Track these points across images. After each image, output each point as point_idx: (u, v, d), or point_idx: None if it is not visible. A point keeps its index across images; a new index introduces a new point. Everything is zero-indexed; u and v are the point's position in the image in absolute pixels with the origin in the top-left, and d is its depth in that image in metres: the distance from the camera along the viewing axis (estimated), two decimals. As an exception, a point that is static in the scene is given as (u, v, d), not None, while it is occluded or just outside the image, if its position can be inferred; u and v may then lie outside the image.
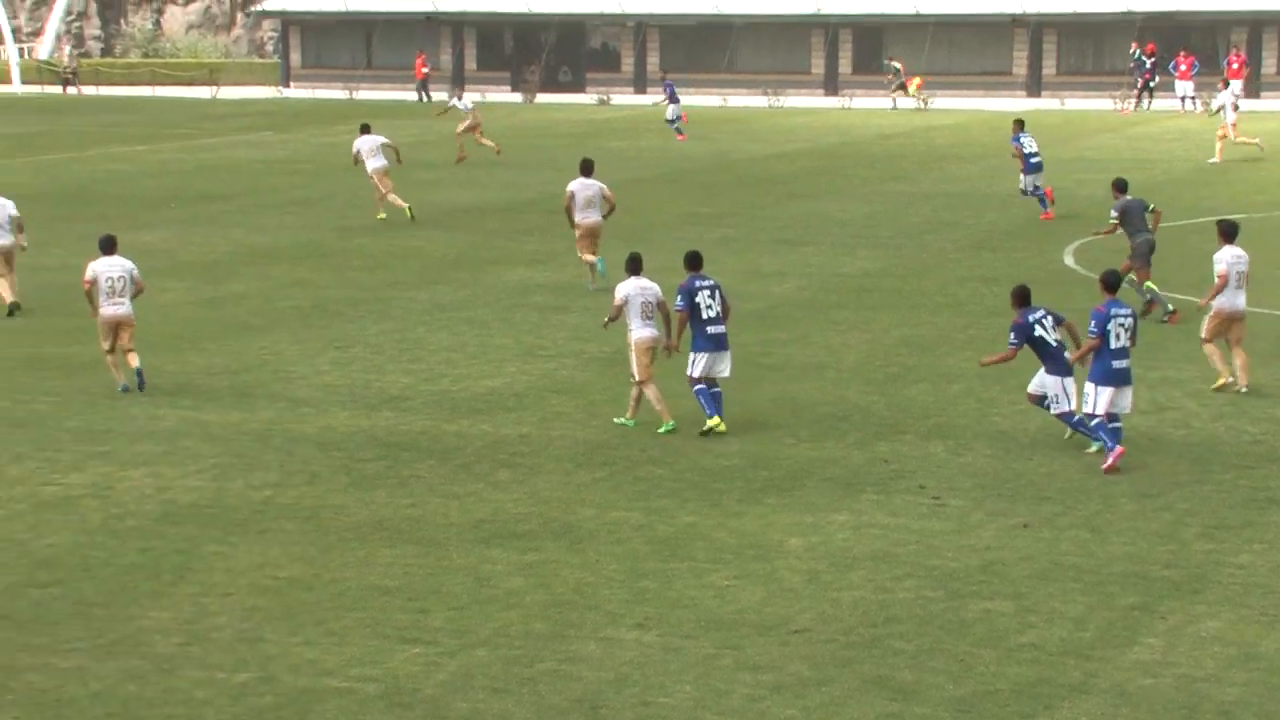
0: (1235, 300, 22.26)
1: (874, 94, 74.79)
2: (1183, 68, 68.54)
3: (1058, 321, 19.54)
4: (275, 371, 23.79)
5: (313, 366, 24.11)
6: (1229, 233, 22.73)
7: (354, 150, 38.89)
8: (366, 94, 77.17)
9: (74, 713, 12.82)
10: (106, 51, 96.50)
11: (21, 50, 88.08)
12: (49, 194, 42.82)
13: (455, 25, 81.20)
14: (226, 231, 36.71)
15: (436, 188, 44.40)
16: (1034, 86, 77.20)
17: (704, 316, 20.34)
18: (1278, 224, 37.10)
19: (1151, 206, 27.26)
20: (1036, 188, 38.45)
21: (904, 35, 78.79)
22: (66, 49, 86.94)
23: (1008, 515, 17.31)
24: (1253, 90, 71.98)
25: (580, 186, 30.05)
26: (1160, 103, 69.96)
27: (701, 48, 79.87)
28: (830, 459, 19.39)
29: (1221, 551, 16.25)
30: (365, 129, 39.14)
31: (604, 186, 30.18)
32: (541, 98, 77.29)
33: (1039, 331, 19.39)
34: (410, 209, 37.83)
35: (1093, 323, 19.08)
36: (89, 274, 22.62)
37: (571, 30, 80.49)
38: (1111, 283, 19.66)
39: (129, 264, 22.85)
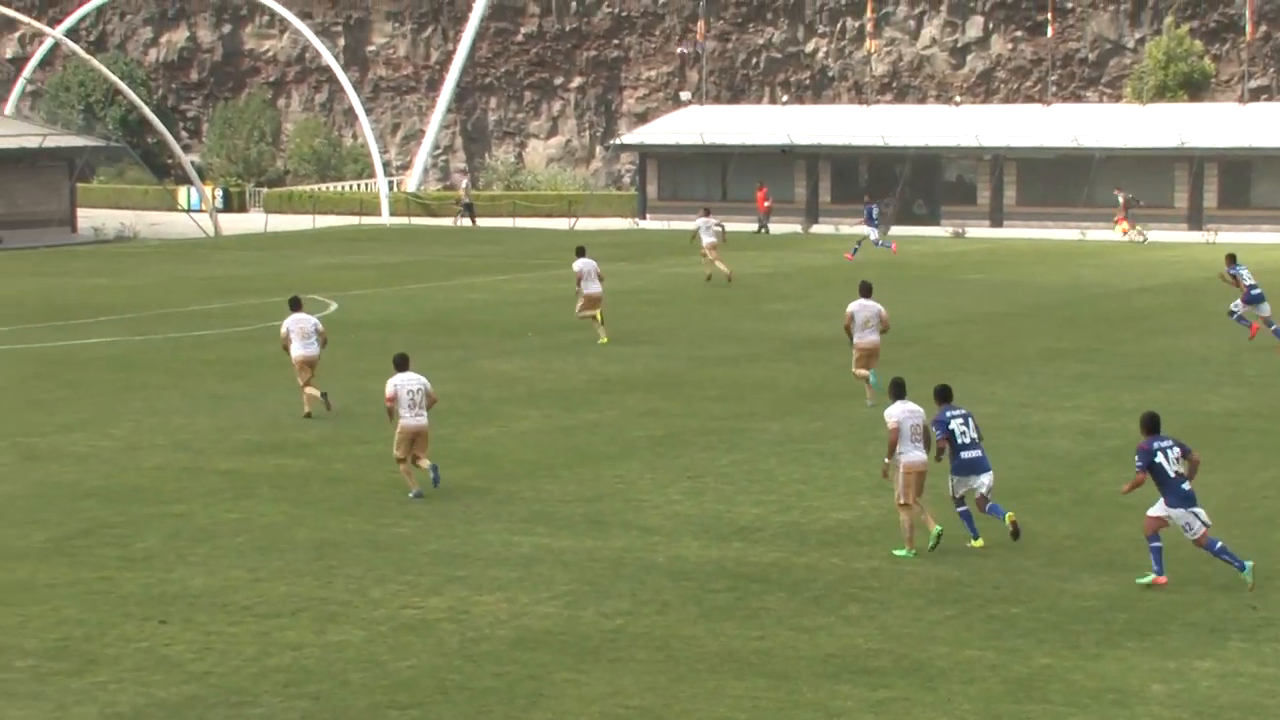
0: None
1: (1240, 229, 72.93)
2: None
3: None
4: (628, 500, 23.98)
5: (665, 496, 24.24)
6: None
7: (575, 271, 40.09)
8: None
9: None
10: (470, 184, 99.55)
11: (391, 183, 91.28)
12: (413, 322, 44.08)
13: (810, 158, 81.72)
14: (582, 360, 37.27)
15: (788, 319, 44.51)
16: None
17: (959, 442, 21.10)
18: None
19: None
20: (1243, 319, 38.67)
21: (1273, 170, 76.77)
22: (464, 182, 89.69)
23: (1385, 667, 16.48)
24: None
25: (859, 308, 31.91)
26: None
27: (1059, 181, 78.95)
28: (1193, 602, 18.73)
29: None
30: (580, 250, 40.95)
31: (881, 308, 32.01)
32: (896, 230, 77.17)
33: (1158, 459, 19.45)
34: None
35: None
36: (390, 390, 24.27)
37: (927, 163, 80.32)
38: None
39: (424, 379, 24.47)
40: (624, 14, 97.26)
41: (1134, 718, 15.25)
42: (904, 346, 39.48)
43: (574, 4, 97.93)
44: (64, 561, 20.67)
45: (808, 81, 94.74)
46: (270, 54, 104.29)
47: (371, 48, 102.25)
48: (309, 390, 30.48)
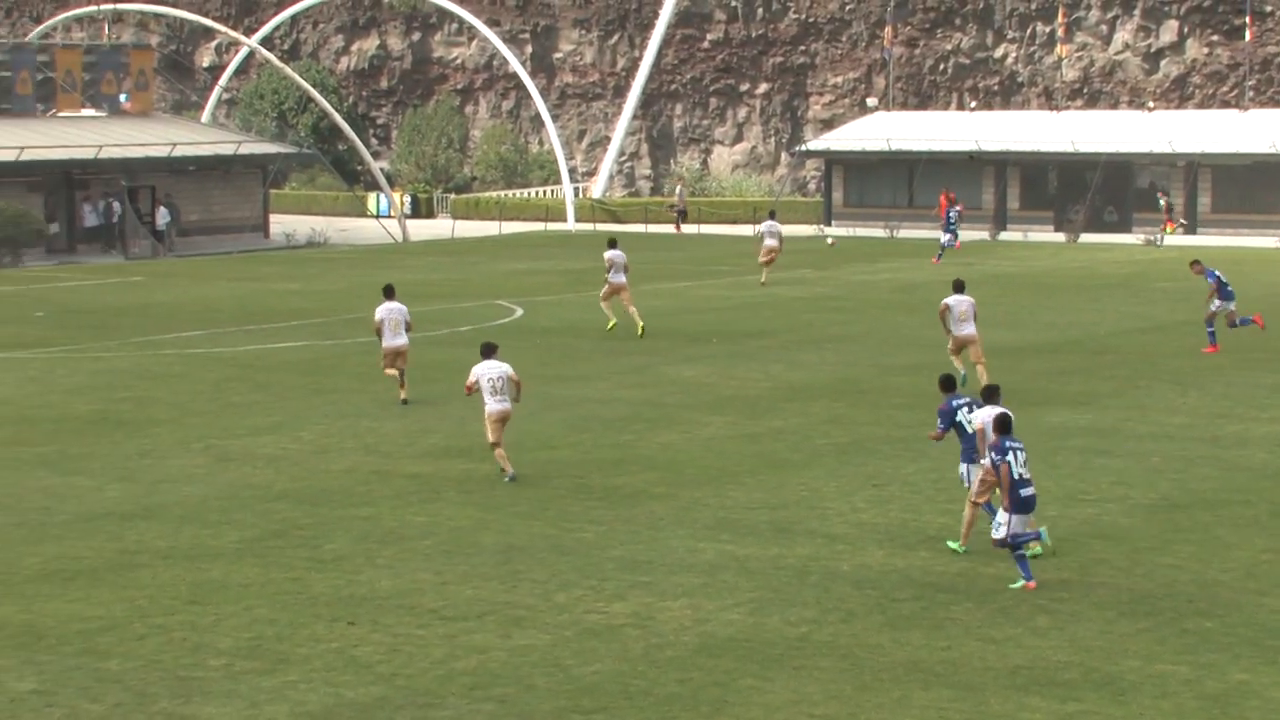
0: None
1: None
2: None
3: None
4: (812, 507, 23.87)
5: (850, 503, 24.09)
6: None
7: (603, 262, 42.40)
8: (907, 233, 77.50)
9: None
10: (655, 191, 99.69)
11: (576, 190, 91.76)
12: (596, 328, 44.20)
13: (998, 164, 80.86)
14: (766, 367, 37.18)
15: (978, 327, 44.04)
16: None
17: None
18: None
19: None
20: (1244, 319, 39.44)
21: None
22: (679, 188, 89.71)
23: None
24: None
25: (956, 303, 33.80)
26: None
27: (1256, 187, 77.43)
28: (1395, 619, 18.24)
29: None
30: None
31: (973, 301, 34.22)
32: (1086, 238, 76.17)
33: None
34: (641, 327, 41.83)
35: None
36: (472, 377, 26.13)
37: (1118, 170, 79.12)
38: None
39: (506, 366, 26.12)
40: (811, 20, 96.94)
41: (1333, 737, 14.89)
42: (1094, 355, 38.95)
43: (761, 10, 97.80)
44: (256, 562, 21.00)
45: (996, 87, 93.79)
46: (458, 61, 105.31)
47: (558, 55, 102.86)
48: (389, 372, 32.93)
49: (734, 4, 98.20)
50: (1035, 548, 20.17)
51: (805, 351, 39.69)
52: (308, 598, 19.42)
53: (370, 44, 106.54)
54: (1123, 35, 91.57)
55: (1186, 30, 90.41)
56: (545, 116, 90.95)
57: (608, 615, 18.71)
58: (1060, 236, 77.39)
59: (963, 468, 22.28)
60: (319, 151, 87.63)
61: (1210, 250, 68.69)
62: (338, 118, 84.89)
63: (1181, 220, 76.14)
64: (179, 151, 73.03)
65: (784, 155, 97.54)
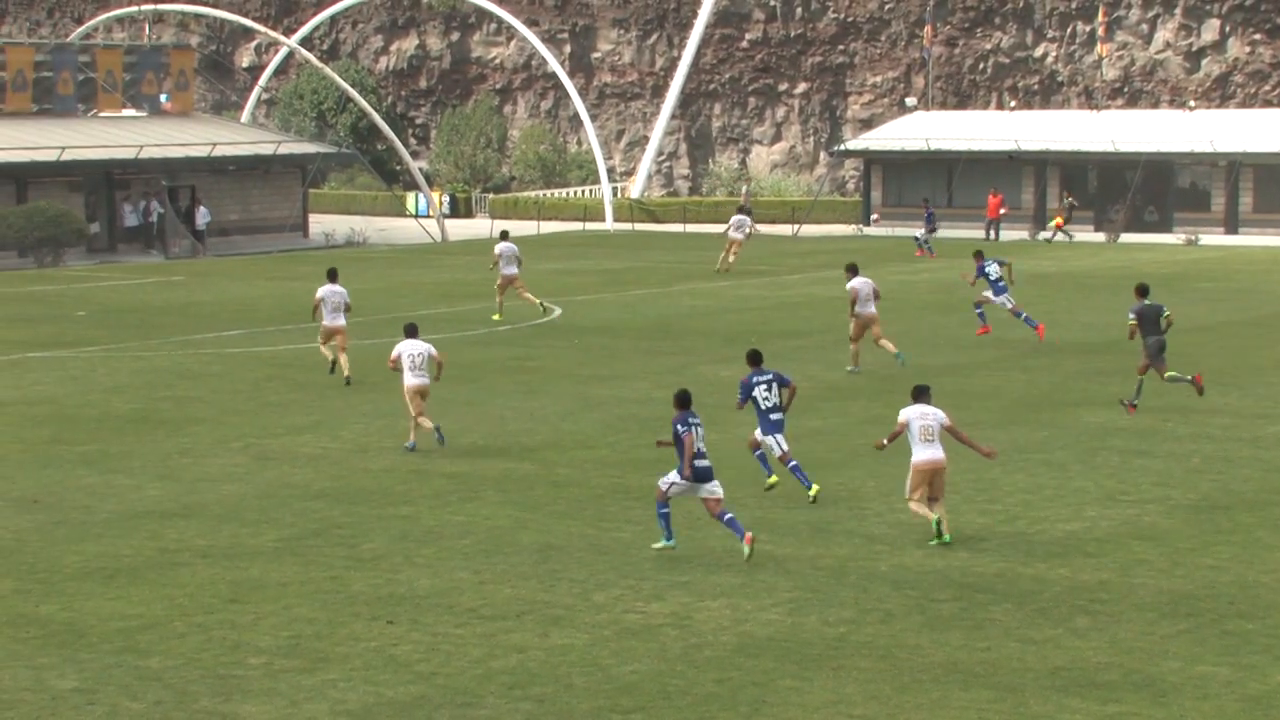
0: None
1: None
2: None
3: None
4: (851, 508, 23.83)
5: (888, 504, 24.05)
6: None
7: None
8: (946, 233, 77.36)
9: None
10: (694, 190, 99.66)
11: (615, 189, 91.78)
12: (635, 327, 44.27)
13: (1038, 164, 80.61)
14: (804, 368, 37.09)
15: (1015, 327, 43.94)
16: None
17: (763, 407, 24.10)
18: None
19: (1167, 313, 31.62)
20: (1020, 312, 40.52)
21: None
22: (745, 189, 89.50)
23: None
24: None
25: (861, 284, 36.37)
26: None
27: (1298, 186, 77.10)
28: None
29: None
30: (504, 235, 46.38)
31: (875, 285, 36.79)
32: (1126, 237, 75.89)
33: None
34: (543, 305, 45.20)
35: None
36: (394, 353, 28.30)
37: (1159, 169, 78.80)
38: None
39: (429, 346, 28.31)
40: (850, 20, 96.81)
41: (1376, 739, 14.80)
42: (1134, 355, 38.77)
43: (799, 10, 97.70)
44: (295, 561, 21.06)
45: (1036, 87, 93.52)
46: (497, 61, 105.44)
47: (597, 54, 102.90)
48: (324, 350, 35.60)
49: (773, 3, 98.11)
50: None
51: (843, 351, 39.59)
52: (346, 596, 19.46)
53: (409, 44, 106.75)
54: (1164, 34, 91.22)
55: (1228, 29, 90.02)
56: (584, 116, 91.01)
57: (646, 615, 18.71)
58: (1100, 236, 77.12)
59: (757, 433, 24.47)
60: (358, 151, 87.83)
61: (1252, 251, 68.45)
62: (377, 118, 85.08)
63: (1065, 226, 75.94)
64: (219, 151, 73.28)
65: (822, 155, 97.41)
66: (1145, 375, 31.64)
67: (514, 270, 45.37)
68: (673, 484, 21.42)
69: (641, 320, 46.08)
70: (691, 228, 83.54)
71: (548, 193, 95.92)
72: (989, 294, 40.63)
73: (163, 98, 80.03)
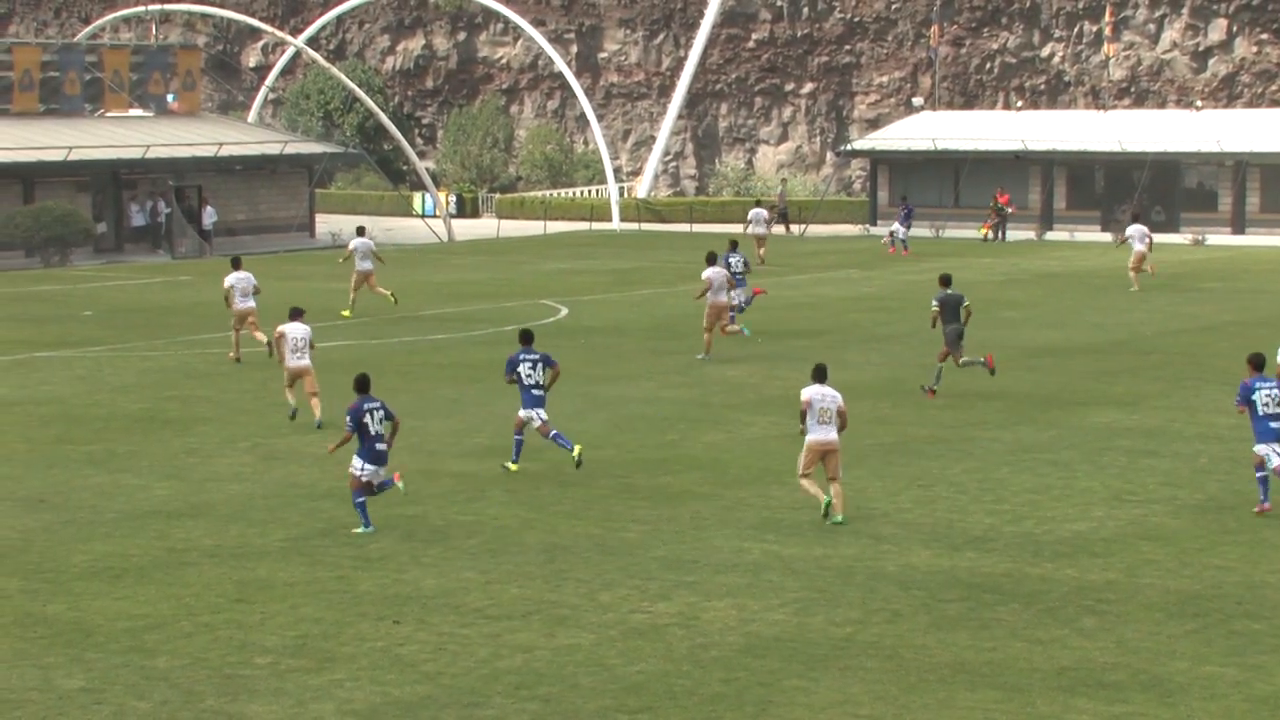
0: None
1: None
2: None
3: None
4: (857, 508, 23.81)
5: (895, 504, 24.05)
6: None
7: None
8: (953, 233, 77.35)
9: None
10: (700, 190, 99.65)
11: (621, 189, 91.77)
12: (642, 327, 44.28)
13: (1045, 164, 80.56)
14: (811, 367, 37.05)
15: (1021, 327, 43.96)
16: None
17: (526, 383, 26.05)
18: None
19: (966, 303, 33.49)
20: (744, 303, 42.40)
21: None
22: (780, 188, 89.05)
23: None
24: None
25: (714, 274, 38.01)
26: None
27: (1307, 186, 77.02)
28: None
29: None
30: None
31: (728, 273, 38.83)
32: (1133, 236, 75.78)
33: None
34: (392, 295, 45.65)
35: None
36: (278, 331, 30.60)
37: (1166, 169, 78.73)
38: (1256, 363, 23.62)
39: (308, 329, 30.47)
40: (856, 20, 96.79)
41: (1383, 740, 14.79)
42: (1141, 355, 38.81)
43: (806, 10, 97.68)
44: (302, 561, 21.06)
45: (1043, 87, 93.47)
46: (504, 61, 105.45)
47: (603, 54, 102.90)
48: (238, 334, 38.04)
49: (779, 3, 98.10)
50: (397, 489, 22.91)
51: (850, 351, 39.61)
52: (353, 596, 19.47)
53: (416, 44, 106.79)
54: (1170, 34, 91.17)
55: (1235, 29, 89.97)
56: (590, 116, 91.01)
57: (652, 615, 18.71)
58: (1107, 236, 77.06)
59: (521, 411, 26.30)
60: (364, 151, 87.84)
61: (1259, 251, 68.41)
62: (383, 117, 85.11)
63: (994, 227, 76.66)
64: (225, 151, 73.31)
65: (829, 155, 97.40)
66: (944, 361, 33.37)
67: (369, 266, 46.54)
68: (362, 469, 22.83)
69: (648, 320, 46.08)
70: (698, 228, 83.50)
71: (554, 192, 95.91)
72: (734, 293, 41.73)
73: (169, 98, 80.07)
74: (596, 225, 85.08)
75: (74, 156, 67.60)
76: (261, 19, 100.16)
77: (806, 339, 41.78)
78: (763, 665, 16.96)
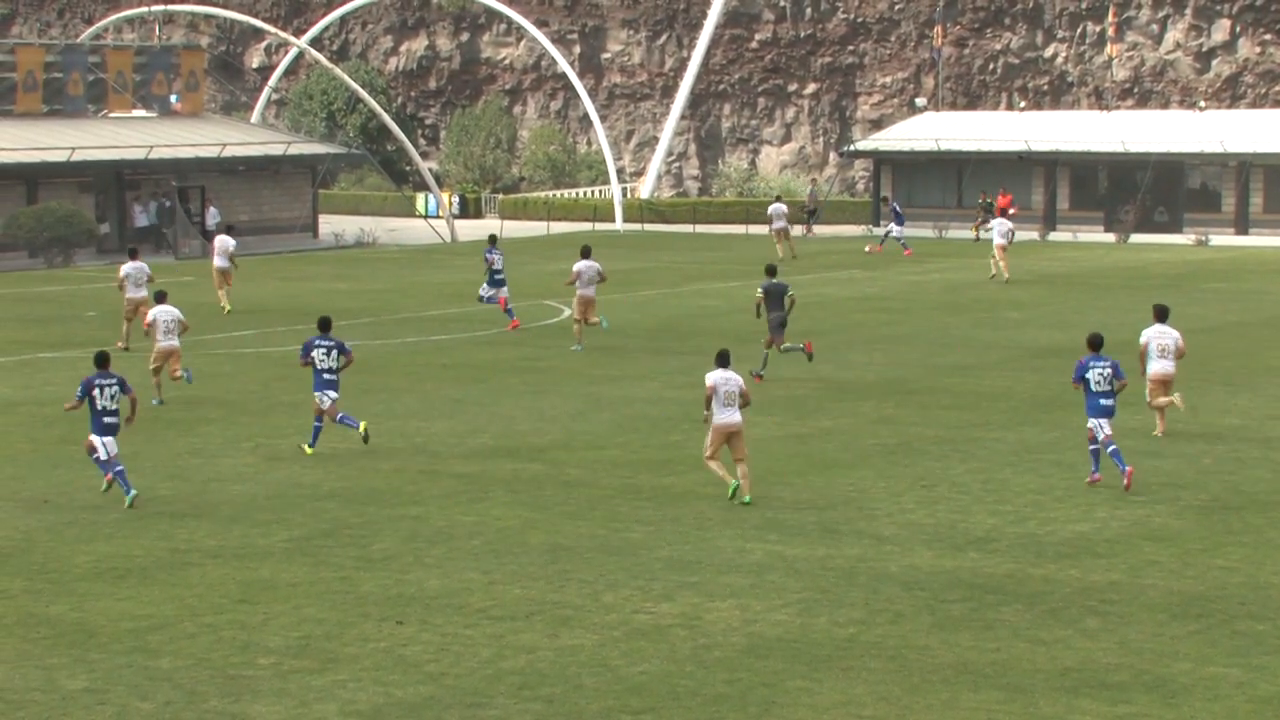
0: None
1: None
2: None
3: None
4: (860, 508, 23.82)
5: (898, 504, 24.05)
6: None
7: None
8: (956, 233, 77.34)
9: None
10: (703, 191, 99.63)
11: (624, 190, 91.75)
12: (646, 328, 44.27)
13: (1048, 164, 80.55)
14: (815, 368, 37.10)
15: (1024, 328, 43.95)
16: None
17: (319, 367, 27.66)
18: None
19: (791, 293, 35.62)
20: (490, 299, 44.28)
21: None
22: (810, 188, 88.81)
23: None
24: None
25: (585, 267, 39.75)
26: None
27: (1308, 188, 76.97)
28: None
29: None
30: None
31: (600, 267, 40.28)
32: (1136, 238, 75.85)
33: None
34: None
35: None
36: (150, 317, 32.98)
37: (1169, 170, 78.71)
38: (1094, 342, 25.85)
39: (178, 311, 32.99)
40: (860, 20, 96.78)
41: (1387, 741, 14.78)
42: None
43: (809, 10, 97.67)
44: (305, 561, 21.07)
45: (1046, 87, 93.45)
46: (507, 62, 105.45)
47: (606, 55, 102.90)
48: (129, 322, 39.22)
49: (782, 4, 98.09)
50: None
51: (854, 352, 39.61)
52: (356, 597, 19.47)
53: (419, 44, 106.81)
54: (1174, 35, 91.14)
55: (1238, 29, 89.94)
56: (593, 117, 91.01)
57: (656, 615, 18.71)
58: (1110, 237, 77.08)
59: (316, 394, 27.74)
60: (368, 152, 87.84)
61: (1263, 251, 68.40)
62: (386, 118, 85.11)
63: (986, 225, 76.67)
64: (229, 152, 73.33)
65: (832, 155, 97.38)
66: (770, 348, 35.30)
67: (225, 263, 48.29)
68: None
69: (651, 320, 46.08)
70: (701, 228, 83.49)
71: (557, 193, 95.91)
72: (486, 287, 44.56)
73: (173, 98, 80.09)
74: (600, 226, 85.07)
75: (77, 157, 67.63)
76: (265, 20, 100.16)
77: (809, 339, 41.73)
78: (766, 666, 16.96)
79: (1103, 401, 25.26)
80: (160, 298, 33.47)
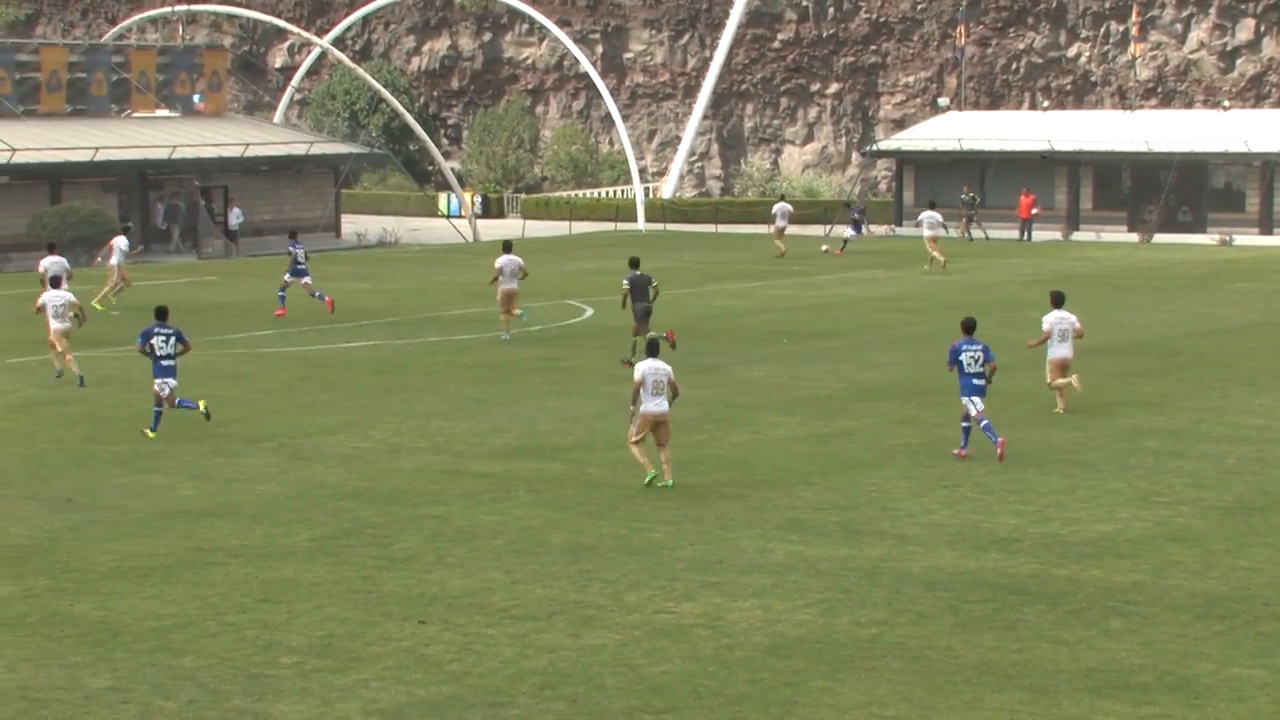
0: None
1: None
2: None
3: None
4: (883, 509, 23.79)
5: (921, 505, 24.01)
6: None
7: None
8: (978, 233, 77.20)
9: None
10: (726, 191, 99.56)
11: (646, 190, 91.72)
12: (665, 328, 44.17)
13: (1071, 164, 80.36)
14: (837, 368, 37.09)
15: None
16: None
17: (158, 354, 29.70)
18: None
19: (655, 284, 38.04)
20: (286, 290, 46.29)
21: None
22: (854, 188, 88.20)
23: None
24: None
25: (506, 261, 41.53)
26: None
27: (1333, 186, 76.72)
28: None
29: None
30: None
31: (522, 261, 42.09)
32: (1159, 238, 75.65)
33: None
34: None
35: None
36: (40, 301, 35.39)
37: (1193, 169, 78.49)
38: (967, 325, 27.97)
39: (70, 295, 35.52)
40: (882, 20, 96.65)
41: None
42: (1168, 357, 38.72)
43: (832, 10, 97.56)
44: (327, 560, 21.09)
45: (1069, 87, 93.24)
46: (529, 62, 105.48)
47: (629, 55, 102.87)
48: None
49: (805, 4, 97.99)
50: None
51: (876, 352, 39.58)
52: (379, 596, 19.49)
53: (441, 44, 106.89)
54: (1198, 34, 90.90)
55: (1263, 29, 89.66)
56: (616, 116, 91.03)
57: (678, 615, 18.70)
58: (1134, 237, 76.89)
59: (156, 381, 29.40)
60: (390, 152, 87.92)
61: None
62: (409, 118, 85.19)
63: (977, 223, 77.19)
64: (252, 152, 73.45)
65: (855, 155, 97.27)
66: (638, 336, 36.85)
67: (116, 261, 50.40)
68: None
69: (673, 321, 46.01)
70: (724, 228, 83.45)
71: (580, 193, 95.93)
72: (288, 276, 46.33)
73: (196, 98, 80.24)
74: (622, 226, 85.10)
75: (101, 157, 67.79)
76: (287, 19, 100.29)
77: (831, 339, 41.74)
78: (788, 666, 16.95)
79: (975, 381, 27.35)
80: (55, 283, 36.86)
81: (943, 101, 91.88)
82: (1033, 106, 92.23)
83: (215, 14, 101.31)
